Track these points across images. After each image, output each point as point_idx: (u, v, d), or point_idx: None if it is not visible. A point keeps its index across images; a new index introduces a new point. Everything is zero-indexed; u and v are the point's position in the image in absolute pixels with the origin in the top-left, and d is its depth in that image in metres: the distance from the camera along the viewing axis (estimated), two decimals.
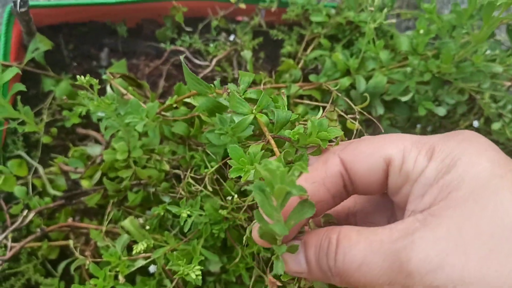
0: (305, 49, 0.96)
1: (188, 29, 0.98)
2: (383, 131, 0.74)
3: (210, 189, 0.64)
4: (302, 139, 0.46)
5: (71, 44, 1.00)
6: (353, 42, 0.95)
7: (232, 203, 0.65)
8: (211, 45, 0.96)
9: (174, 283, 0.71)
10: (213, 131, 0.57)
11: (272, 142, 0.49)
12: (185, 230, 0.65)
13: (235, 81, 0.95)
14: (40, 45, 0.87)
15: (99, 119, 0.80)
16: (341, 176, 0.41)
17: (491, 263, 0.31)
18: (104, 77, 0.71)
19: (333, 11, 0.94)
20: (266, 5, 0.96)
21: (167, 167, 0.69)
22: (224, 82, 0.98)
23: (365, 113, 0.70)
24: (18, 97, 0.80)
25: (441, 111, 0.79)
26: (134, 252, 0.61)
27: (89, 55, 1.00)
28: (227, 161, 0.63)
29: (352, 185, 0.42)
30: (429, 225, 0.34)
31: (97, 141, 0.93)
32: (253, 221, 0.54)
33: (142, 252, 0.61)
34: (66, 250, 0.90)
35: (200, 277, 0.55)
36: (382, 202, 0.48)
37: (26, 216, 0.77)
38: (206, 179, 0.64)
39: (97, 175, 0.85)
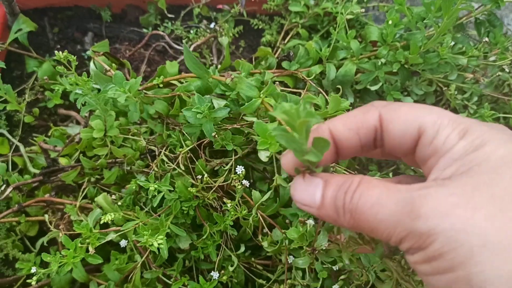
0: (284, 38, 0.98)
1: (170, 15, 1.00)
2: None
3: (183, 167, 0.67)
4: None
5: (56, 27, 1.02)
6: (331, 33, 0.97)
7: (202, 182, 0.68)
8: (192, 31, 0.98)
9: (144, 258, 0.74)
10: (190, 109, 0.60)
11: (284, 123, 0.53)
12: (154, 204, 0.68)
13: (212, 66, 0.97)
14: (23, 26, 0.89)
15: (76, 98, 0.82)
16: (375, 130, 0.43)
17: (496, 220, 0.33)
18: (88, 53, 0.73)
19: (312, 2, 0.96)
20: None
21: (143, 142, 0.72)
22: None
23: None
24: None
25: (408, 100, 0.82)
26: (102, 221, 0.63)
27: (73, 38, 1.02)
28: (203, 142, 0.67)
29: (381, 141, 0.44)
30: (446, 185, 0.36)
31: (78, 122, 0.96)
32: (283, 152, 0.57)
33: (110, 222, 0.64)
34: (45, 227, 0.93)
35: (163, 247, 0.58)
36: None
37: (3, 191, 0.79)
38: (180, 157, 0.67)
39: (76, 154, 0.88)
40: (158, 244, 0.57)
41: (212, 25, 0.98)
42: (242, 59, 1.01)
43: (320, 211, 0.43)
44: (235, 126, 0.70)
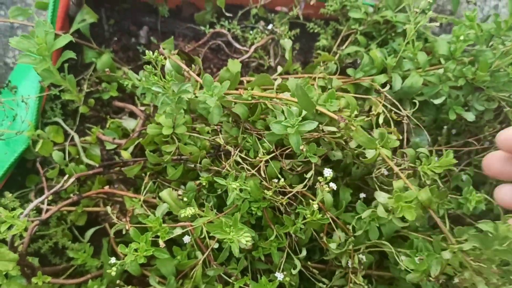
0: (340, 45, 0.99)
1: (228, 14, 1.01)
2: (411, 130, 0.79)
3: (263, 174, 0.68)
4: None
5: (112, 19, 1.02)
6: (387, 42, 0.98)
7: (275, 186, 0.69)
8: (251, 32, 0.99)
9: (205, 255, 0.74)
10: (280, 122, 0.61)
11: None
12: (228, 202, 0.68)
13: (270, 69, 0.98)
14: (87, 16, 0.90)
15: (143, 93, 0.82)
16: None
17: None
18: (165, 51, 0.73)
19: (371, 10, 0.97)
20: None
21: (221, 140, 0.72)
22: (258, 69, 1.02)
23: (397, 110, 0.75)
24: (66, 65, 0.83)
25: (470, 116, 0.83)
26: (182, 216, 0.64)
27: (128, 31, 1.03)
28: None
29: None
30: None
31: (131, 115, 0.96)
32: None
33: (189, 217, 0.64)
34: (93, 218, 0.93)
35: (249, 243, 0.58)
36: None
37: (66, 181, 0.80)
38: (261, 165, 0.67)
39: (131, 148, 0.88)
40: (246, 241, 0.57)
41: (269, 27, 0.99)
42: (294, 62, 1.02)
43: None
44: (315, 136, 0.71)
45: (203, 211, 0.74)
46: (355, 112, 0.68)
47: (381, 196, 0.68)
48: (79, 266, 0.89)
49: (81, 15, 0.89)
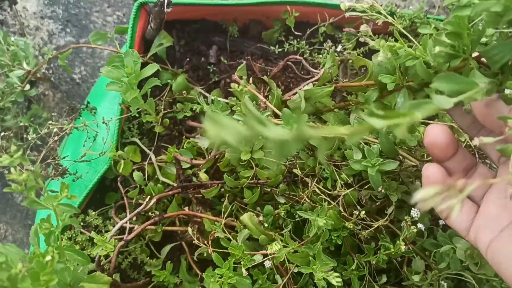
0: None
1: (297, 33, 1.02)
2: None
3: (341, 209, 0.69)
4: None
5: (183, 40, 1.05)
6: None
7: (356, 217, 0.69)
8: (321, 55, 1.00)
9: (285, 279, 0.76)
10: (360, 162, 0.62)
11: None
12: (311, 234, 0.70)
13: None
14: (164, 41, 0.93)
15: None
16: None
17: None
18: (240, 87, 0.75)
19: (441, 26, 0.95)
20: (374, 18, 0.98)
21: (299, 172, 0.74)
22: None
23: None
24: (149, 91, 0.86)
25: None
26: (269, 251, 0.66)
27: (198, 51, 1.05)
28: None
29: None
30: None
31: (203, 134, 0.99)
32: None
33: (276, 252, 0.66)
34: (167, 234, 0.97)
35: (340, 284, 0.59)
36: None
37: (148, 202, 0.83)
38: (341, 198, 0.68)
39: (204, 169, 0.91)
40: (336, 282, 0.58)
41: (338, 49, 0.99)
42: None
43: None
44: (395, 170, 0.71)
45: (281, 235, 0.76)
46: None
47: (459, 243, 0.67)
48: (158, 281, 0.93)
49: (158, 39, 0.92)
